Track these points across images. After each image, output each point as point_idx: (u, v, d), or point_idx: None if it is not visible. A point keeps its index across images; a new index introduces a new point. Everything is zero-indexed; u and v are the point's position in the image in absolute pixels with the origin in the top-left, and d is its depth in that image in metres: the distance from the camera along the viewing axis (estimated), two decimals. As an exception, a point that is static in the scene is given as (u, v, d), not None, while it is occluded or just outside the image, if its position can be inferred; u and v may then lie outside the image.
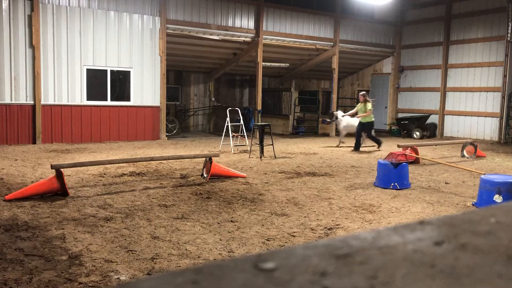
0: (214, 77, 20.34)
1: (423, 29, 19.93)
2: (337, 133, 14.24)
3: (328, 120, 14.09)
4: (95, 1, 14.11)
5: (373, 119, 13.60)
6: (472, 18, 18.15)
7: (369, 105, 13.27)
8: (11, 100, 13.12)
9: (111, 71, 14.61)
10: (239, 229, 5.40)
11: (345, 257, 0.69)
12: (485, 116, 17.76)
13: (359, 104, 13.64)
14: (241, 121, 14.53)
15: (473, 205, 6.87)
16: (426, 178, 9.07)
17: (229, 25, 16.61)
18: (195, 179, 8.46)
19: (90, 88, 14.28)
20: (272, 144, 12.02)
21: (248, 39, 17.09)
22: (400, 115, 20.50)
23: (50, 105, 13.62)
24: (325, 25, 18.87)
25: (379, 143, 13.73)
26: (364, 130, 13.60)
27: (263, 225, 5.62)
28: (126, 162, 9.24)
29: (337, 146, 14.46)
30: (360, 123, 13.61)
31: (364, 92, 13.82)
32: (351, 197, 7.25)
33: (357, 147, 13.47)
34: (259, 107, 17.40)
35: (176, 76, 19.91)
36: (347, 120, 14.45)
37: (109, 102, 14.63)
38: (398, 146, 10.88)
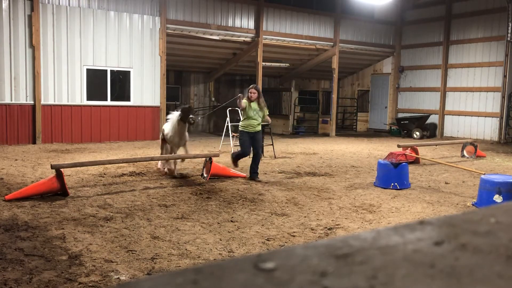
0: (214, 77, 20.33)
1: (423, 29, 19.92)
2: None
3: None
4: (95, 1, 14.11)
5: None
6: (472, 18, 18.14)
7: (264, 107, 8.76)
8: (11, 100, 13.11)
9: (111, 71, 14.60)
10: (239, 229, 5.40)
11: (345, 257, 0.69)
12: (485, 116, 17.76)
13: (248, 102, 8.46)
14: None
15: (473, 205, 6.87)
16: (426, 178, 9.07)
17: (229, 25, 16.61)
18: (195, 179, 8.46)
19: (90, 88, 14.27)
20: (272, 144, 12.03)
21: (248, 39, 17.09)
22: (400, 115, 20.50)
23: (50, 105, 13.62)
24: (325, 25, 18.86)
25: (237, 159, 8.88)
26: (257, 142, 8.69)
27: (263, 225, 5.62)
28: (126, 162, 9.24)
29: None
30: (255, 131, 8.57)
31: (256, 85, 8.79)
32: (351, 197, 7.25)
33: (240, 158, 8.91)
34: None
35: (176, 76, 19.90)
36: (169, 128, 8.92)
37: (109, 102, 14.62)
38: (398, 146, 10.90)
